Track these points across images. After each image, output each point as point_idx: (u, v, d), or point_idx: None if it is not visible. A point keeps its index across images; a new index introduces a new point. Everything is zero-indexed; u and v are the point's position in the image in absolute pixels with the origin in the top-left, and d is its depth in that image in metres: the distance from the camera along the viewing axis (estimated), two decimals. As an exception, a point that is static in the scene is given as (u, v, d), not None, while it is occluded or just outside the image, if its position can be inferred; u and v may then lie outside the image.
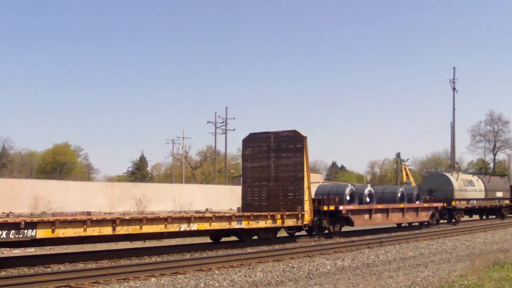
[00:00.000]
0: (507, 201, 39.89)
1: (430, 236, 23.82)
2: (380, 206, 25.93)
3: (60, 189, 39.85)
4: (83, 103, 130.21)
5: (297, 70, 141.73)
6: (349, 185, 25.82)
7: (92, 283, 11.57)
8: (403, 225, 30.16)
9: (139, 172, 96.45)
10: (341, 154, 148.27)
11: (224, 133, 65.70)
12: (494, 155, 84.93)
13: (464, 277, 12.13)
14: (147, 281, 11.85)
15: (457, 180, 34.53)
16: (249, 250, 18.36)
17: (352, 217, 23.75)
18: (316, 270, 14.04)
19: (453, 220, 33.41)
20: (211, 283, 11.84)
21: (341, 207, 23.10)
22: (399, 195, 28.44)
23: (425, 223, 29.93)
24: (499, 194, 38.93)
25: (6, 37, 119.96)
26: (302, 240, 21.60)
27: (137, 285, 11.45)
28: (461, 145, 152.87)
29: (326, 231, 23.07)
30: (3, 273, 12.82)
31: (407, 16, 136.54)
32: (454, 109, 55.61)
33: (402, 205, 27.56)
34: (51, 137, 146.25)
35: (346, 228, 25.10)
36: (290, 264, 14.70)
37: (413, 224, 30.20)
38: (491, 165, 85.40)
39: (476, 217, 39.61)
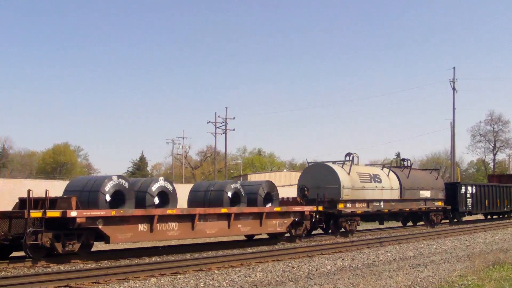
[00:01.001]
0: (439, 203, 30.93)
1: (430, 236, 23.81)
2: (171, 211, 16.66)
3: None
4: (83, 103, 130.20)
5: (297, 70, 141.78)
6: (114, 177, 16.01)
7: (92, 283, 11.59)
8: (256, 237, 21.90)
9: (139, 172, 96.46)
10: (341, 154, 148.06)
11: (224, 133, 65.66)
12: (494, 155, 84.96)
13: (464, 277, 12.13)
14: (147, 281, 11.86)
15: (349, 174, 24.72)
16: (249, 250, 18.39)
17: (106, 229, 15.09)
18: (316, 270, 14.04)
19: (342, 230, 24.20)
20: (211, 283, 11.85)
21: (73, 213, 14.32)
22: (229, 194, 19.08)
23: (287, 235, 21.63)
24: (426, 194, 29.72)
25: (6, 36, 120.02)
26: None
27: (137, 285, 11.46)
28: (461, 145, 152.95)
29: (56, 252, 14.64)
30: (3, 273, 12.83)
31: (407, 16, 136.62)
32: (454, 109, 55.66)
33: (224, 210, 18.21)
34: (51, 137, 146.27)
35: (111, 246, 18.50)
36: (290, 264, 14.71)
37: (275, 235, 21.31)
38: (491, 165, 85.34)
39: (391, 224, 31.73)
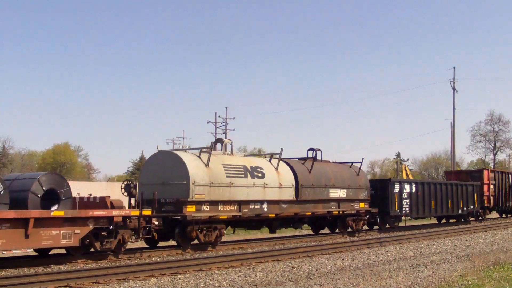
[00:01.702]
0: (361, 205, 24.63)
1: (430, 236, 23.81)
2: None
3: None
4: (83, 103, 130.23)
5: (297, 70, 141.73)
6: None
7: (92, 283, 11.61)
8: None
9: (139, 172, 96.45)
10: (341, 154, 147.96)
11: (224, 133, 65.63)
12: (494, 155, 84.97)
13: (464, 277, 12.15)
14: (147, 281, 11.87)
15: (208, 166, 18.38)
16: (249, 250, 18.40)
17: None
18: (316, 270, 14.05)
19: (196, 242, 18.13)
20: (211, 283, 11.85)
21: None
22: None
23: (93, 249, 15.38)
24: (339, 194, 23.45)
25: (6, 36, 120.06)
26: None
27: (137, 285, 11.47)
28: (461, 145, 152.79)
29: None
30: (3, 273, 12.84)
31: (407, 16, 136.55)
32: (454, 109, 55.68)
33: None
34: (51, 137, 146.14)
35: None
36: (290, 264, 14.71)
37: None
38: (491, 165, 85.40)
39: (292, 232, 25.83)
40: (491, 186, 36.46)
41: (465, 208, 32.50)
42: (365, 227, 26.69)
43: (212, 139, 62.49)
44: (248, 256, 15.58)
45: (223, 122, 65.40)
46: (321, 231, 25.24)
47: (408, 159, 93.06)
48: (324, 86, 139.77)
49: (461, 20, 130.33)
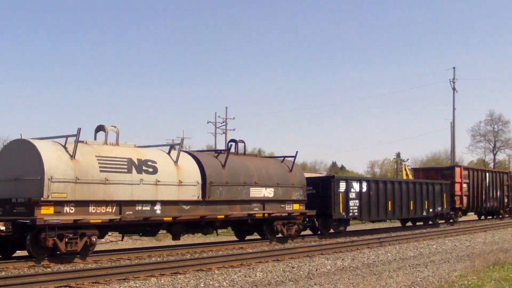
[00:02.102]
0: (295, 206, 21.17)
1: (430, 236, 23.82)
2: None
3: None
4: (82, 103, 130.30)
5: (297, 70, 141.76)
6: None
7: (92, 283, 11.61)
8: None
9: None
10: (341, 154, 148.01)
11: (224, 133, 65.66)
12: (494, 155, 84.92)
13: (464, 277, 12.16)
14: (147, 281, 11.88)
15: (74, 158, 14.98)
16: (249, 250, 18.40)
17: None
18: (316, 270, 14.06)
19: (58, 252, 14.66)
20: (211, 283, 11.86)
21: None
22: None
23: None
24: (264, 193, 20.00)
25: (6, 36, 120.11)
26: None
27: (137, 285, 11.47)
28: (461, 145, 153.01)
29: None
30: (3, 273, 12.84)
31: (407, 16, 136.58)
32: (454, 109, 55.76)
33: None
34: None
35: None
36: (290, 264, 14.72)
37: None
38: (491, 165, 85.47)
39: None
40: (464, 185, 32.67)
41: (430, 210, 28.95)
42: (308, 231, 23.59)
43: (212, 139, 62.57)
44: (248, 256, 15.59)
45: (223, 122, 65.41)
46: (249, 237, 21.84)
47: (408, 159, 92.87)
48: (324, 86, 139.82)
49: (461, 20, 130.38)
